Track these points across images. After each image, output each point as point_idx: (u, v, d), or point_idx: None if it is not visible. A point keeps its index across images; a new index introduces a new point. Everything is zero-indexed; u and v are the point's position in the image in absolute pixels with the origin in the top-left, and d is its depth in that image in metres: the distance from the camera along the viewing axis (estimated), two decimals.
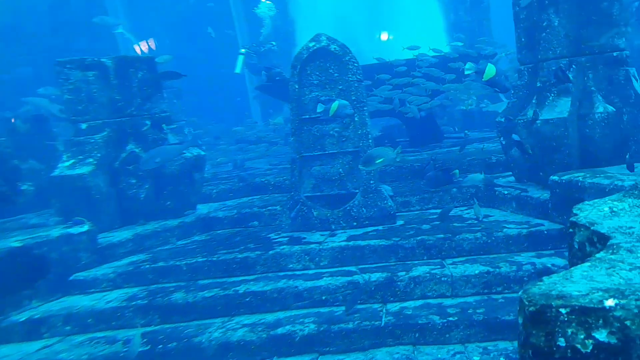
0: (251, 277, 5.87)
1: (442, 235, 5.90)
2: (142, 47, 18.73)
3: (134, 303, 5.58)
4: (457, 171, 6.21)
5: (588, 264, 1.69)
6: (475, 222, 6.26)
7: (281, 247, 6.16)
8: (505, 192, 6.76)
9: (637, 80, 6.44)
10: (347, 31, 11.59)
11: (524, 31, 6.83)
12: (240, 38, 19.77)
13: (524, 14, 6.78)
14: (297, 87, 7.00)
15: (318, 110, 6.48)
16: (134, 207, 7.60)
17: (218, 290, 5.58)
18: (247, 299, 5.41)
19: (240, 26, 19.86)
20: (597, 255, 1.73)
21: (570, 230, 1.98)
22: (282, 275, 5.82)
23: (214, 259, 6.15)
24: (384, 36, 15.13)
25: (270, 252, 6.08)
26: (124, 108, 7.81)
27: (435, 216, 6.82)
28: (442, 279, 5.25)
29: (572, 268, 1.67)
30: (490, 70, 6.23)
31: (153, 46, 19.24)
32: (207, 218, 7.77)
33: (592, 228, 1.87)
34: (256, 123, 15.56)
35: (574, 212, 2.11)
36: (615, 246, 1.75)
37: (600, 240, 1.83)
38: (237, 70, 16.19)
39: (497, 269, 5.23)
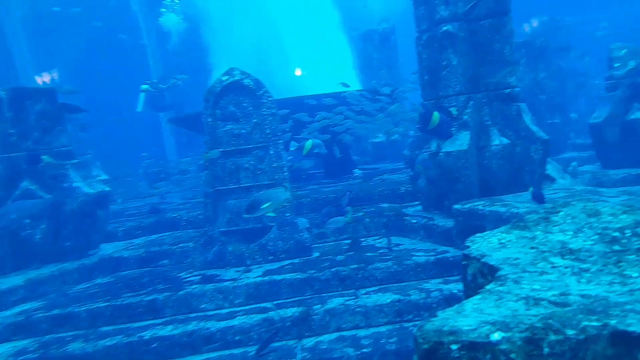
0: (159, 321, 5.52)
1: (355, 266, 5.96)
2: (44, 79, 17.60)
3: (22, 358, 5.01)
4: (350, 208, 6.45)
5: (479, 296, 1.75)
6: (387, 250, 6.41)
7: (192, 287, 5.89)
8: (414, 221, 7.02)
9: (527, 115, 7.05)
10: (262, 65, 11.70)
11: (426, 69, 7.27)
12: (154, 70, 19.27)
13: (426, 53, 7.23)
14: (210, 120, 6.88)
15: (291, 149, 6.37)
16: (29, 250, 6.94)
17: (121, 337, 5.18)
18: (154, 345, 5.06)
19: (155, 58, 19.37)
20: (487, 287, 1.80)
21: (464, 262, 2.06)
22: (194, 316, 5.54)
23: (118, 303, 5.73)
24: (298, 72, 15.49)
25: (181, 292, 5.78)
26: (19, 142, 7.21)
27: (348, 246, 6.90)
28: (357, 309, 5.27)
29: (464, 301, 1.72)
30: (434, 118, 6.43)
31: (56, 77, 18.16)
32: (111, 258, 7.28)
33: (482, 260, 1.96)
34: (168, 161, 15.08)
35: (467, 244, 2.20)
36: (503, 277, 1.83)
37: (491, 272, 1.91)
38: (139, 108, 15.28)
39: (408, 297, 5.35)
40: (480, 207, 5.84)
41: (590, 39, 17.16)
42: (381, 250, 6.50)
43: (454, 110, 6.57)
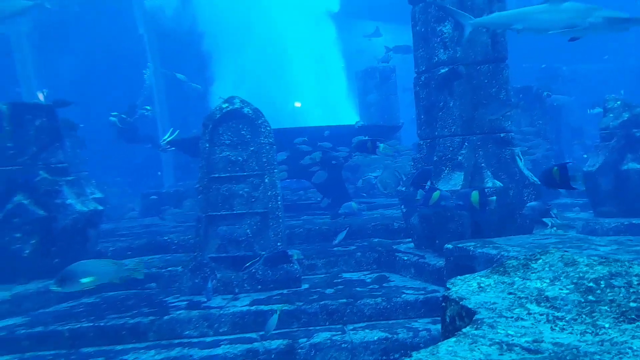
0: (142, 345, 5.45)
1: (344, 300, 5.93)
2: (42, 94, 17.79)
3: None
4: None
5: (454, 338, 1.77)
6: (376, 286, 6.39)
7: (178, 312, 5.84)
8: (405, 258, 7.02)
9: (521, 160, 7.15)
10: (262, 96, 11.90)
11: (424, 109, 7.41)
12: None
13: (423, 93, 7.39)
14: (207, 145, 6.96)
15: (417, 197, 6.34)
16: (17, 264, 6.90)
17: (103, 359, 5.10)
18: None
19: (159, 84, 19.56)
20: (464, 330, 1.83)
21: (443, 304, 2.08)
22: (177, 342, 5.47)
23: (102, 324, 5.67)
24: (297, 104, 15.74)
25: (166, 317, 5.73)
26: (16, 156, 7.26)
27: (340, 280, 6.89)
28: (343, 345, 5.22)
29: (439, 343, 1.74)
30: (435, 195, 6.43)
31: (54, 92, 18.34)
32: None
33: (461, 303, 1.98)
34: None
35: (447, 286, 2.23)
36: (479, 321, 1.85)
37: (468, 315, 1.93)
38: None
39: (395, 335, 5.31)
40: (471, 248, 5.86)
41: (586, 88, 17.55)
42: (371, 286, 6.47)
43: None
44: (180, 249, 8.39)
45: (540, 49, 19.79)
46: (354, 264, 7.55)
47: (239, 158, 6.94)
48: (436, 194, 6.29)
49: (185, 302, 6.24)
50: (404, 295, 6.00)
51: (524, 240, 6.05)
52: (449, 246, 6.16)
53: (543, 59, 17.32)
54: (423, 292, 6.11)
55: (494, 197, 6.50)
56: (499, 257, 5.43)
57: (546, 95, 11.58)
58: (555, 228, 7.02)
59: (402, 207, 7.75)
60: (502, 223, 6.79)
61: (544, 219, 6.84)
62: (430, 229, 7.06)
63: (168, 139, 12.55)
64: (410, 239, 7.74)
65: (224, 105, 7.03)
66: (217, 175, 6.86)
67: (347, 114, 15.72)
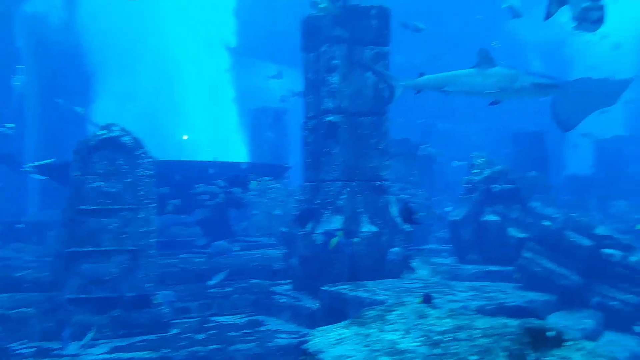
0: None
1: (216, 346, 5.66)
2: None
3: None
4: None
5: None
6: (250, 331, 6.22)
7: None
8: (282, 301, 6.96)
9: (395, 207, 7.57)
10: (149, 124, 11.39)
11: (310, 153, 7.60)
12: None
13: (311, 138, 7.59)
14: (78, 174, 6.43)
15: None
16: None
17: None
18: None
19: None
20: None
21: (301, 357, 2.06)
22: None
23: None
24: (185, 137, 15.31)
25: None
26: None
27: (214, 324, 6.61)
28: None
29: None
30: (333, 241, 6.39)
31: None
32: None
33: (317, 357, 1.97)
34: None
35: (307, 338, 2.22)
36: None
37: None
38: None
39: None
40: (345, 291, 5.99)
41: (458, 144, 19.41)
42: (244, 330, 6.28)
43: None
44: (35, 288, 7.47)
45: (418, 106, 21.63)
46: (230, 306, 7.31)
47: (113, 189, 6.48)
48: (334, 240, 6.45)
49: (33, 349, 5.52)
50: (277, 340, 5.91)
51: (393, 284, 6.35)
52: (325, 288, 6.24)
53: (421, 114, 18.87)
54: (297, 336, 6.06)
55: (357, 239, 6.77)
56: (369, 300, 5.61)
57: (422, 148, 12.57)
58: (423, 272, 7.48)
59: (283, 248, 7.76)
60: (375, 266, 7.07)
61: (412, 264, 7.26)
62: (309, 271, 7.10)
63: (36, 165, 11.36)
64: (289, 280, 7.72)
65: (101, 132, 6.59)
66: (85, 207, 6.31)
67: (238, 151, 15.60)
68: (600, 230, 6.52)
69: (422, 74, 5.16)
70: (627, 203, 14.12)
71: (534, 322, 2.04)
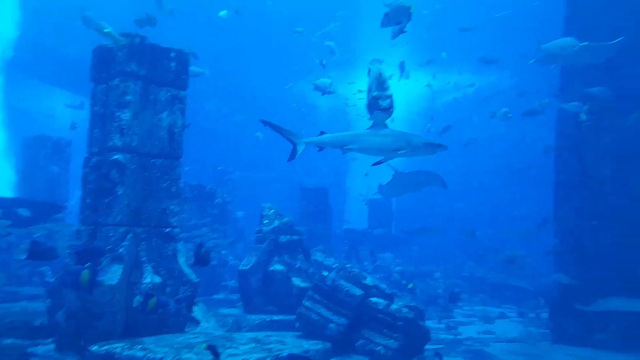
0: None
1: None
2: None
3: None
4: None
5: None
6: None
7: None
8: None
9: (182, 256, 7.27)
10: None
11: (90, 193, 6.84)
12: None
13: (92, 176, 6.85)
14: None
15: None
16: None
17: None
18: None
19: None
20: None
21: None
22: None
23: None
24: None
25: None
26: None
27: None
28: None
29: None
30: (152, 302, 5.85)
31: None
32: None
33: None
34: None
35: None
36: None
37: None
38: None
39: None
40: (118, 350, 5.41)
41: (253, 193, 20.01)
42: None
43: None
44: None
45: (214, 153, 21.86)
46: None
47: None
48: (153, 301, 5.80)
49: None
50: None
51: (174, 340, 5.97)
52: (95, 348, 5.55)
53: (218, 162, 19.05)
54: None
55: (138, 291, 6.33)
56: (145, 359, 5.18)
57: (218, 195, 12.58)
58: (208, 324, 7.24)
59: (48, 300, 6.69)
60: (157, 320, 6.59)
61: (197, 316, 7.00)
62: (77, 327, 6.23)
63: None
64: (53, 339, 6.64)
65: None
66: None
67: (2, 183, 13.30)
68: (369, 280, 7.29)
69: (322, 133, 5.33)
70: (391, 255, 16.24)
71: None
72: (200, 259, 5.53)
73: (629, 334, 7.65)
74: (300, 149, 5.32)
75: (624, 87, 7.99)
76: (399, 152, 5.03)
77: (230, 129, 26.89)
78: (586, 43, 7.48)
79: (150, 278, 6.54)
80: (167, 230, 7.03)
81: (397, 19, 5.89)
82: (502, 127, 18.81)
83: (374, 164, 5.52)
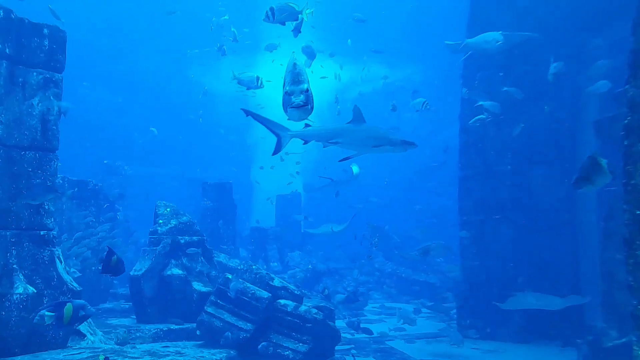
0: None
1: None
2: None
3: None
4: None
5: None
6: None
7: None
8: None
9: (61, 263, 6.32)
10: None
11: None
12: None
13: None
14: None
15: None
16: None
17: None
18: None
19: None
20: None
21: None
22: None
23: None
24: None
25: None
26: None
27: None
28: None
29: None
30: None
31: None
32: None
33: None
34: None
35: None
36: None
37: None
38: None
39: None
40: None
41: (147, 189, 18.57)
42: None
43: None
44: None
45: (102, 145, 20.09)
46: None
47: None
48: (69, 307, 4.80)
49: None
50: None
51: (53, 357, 5.13)
52: None
53: (104, 156, 17.42)
54: None
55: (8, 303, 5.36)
56: None
57: (106, 191, 11.37)
58: (94, 337, 6.37)
59: None
60: (33, 336, 5.65)
61: (81, 329, 6.12)
62: None
63: None
64: None
65: None
66: None
67: None
68: (277, 281, 6.89)
69: (307, 125, 4.81)
70: (300, 254, 15.95)
71: None
72: (110, 268, 4.60)
73: (530, 328, 8.21)
74: (285, 142, 4.95)
75: (519, 84, 8.47)
76: (378, 148, 4.94)
77: (120, 118, 24.80)
78: (507, 32, 7.92)
79: (22, 288, 5.57)
80: (42, 232, 6.05)
81: (280, 18, 5.61)
82: (413, 123, 19.40)
83: (341, 160, 5.38)
